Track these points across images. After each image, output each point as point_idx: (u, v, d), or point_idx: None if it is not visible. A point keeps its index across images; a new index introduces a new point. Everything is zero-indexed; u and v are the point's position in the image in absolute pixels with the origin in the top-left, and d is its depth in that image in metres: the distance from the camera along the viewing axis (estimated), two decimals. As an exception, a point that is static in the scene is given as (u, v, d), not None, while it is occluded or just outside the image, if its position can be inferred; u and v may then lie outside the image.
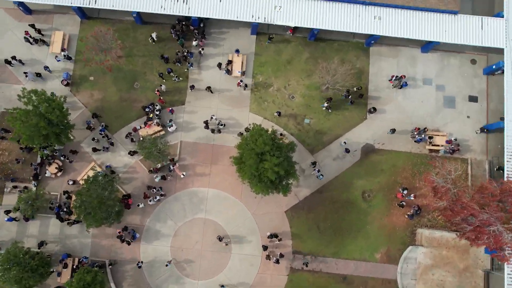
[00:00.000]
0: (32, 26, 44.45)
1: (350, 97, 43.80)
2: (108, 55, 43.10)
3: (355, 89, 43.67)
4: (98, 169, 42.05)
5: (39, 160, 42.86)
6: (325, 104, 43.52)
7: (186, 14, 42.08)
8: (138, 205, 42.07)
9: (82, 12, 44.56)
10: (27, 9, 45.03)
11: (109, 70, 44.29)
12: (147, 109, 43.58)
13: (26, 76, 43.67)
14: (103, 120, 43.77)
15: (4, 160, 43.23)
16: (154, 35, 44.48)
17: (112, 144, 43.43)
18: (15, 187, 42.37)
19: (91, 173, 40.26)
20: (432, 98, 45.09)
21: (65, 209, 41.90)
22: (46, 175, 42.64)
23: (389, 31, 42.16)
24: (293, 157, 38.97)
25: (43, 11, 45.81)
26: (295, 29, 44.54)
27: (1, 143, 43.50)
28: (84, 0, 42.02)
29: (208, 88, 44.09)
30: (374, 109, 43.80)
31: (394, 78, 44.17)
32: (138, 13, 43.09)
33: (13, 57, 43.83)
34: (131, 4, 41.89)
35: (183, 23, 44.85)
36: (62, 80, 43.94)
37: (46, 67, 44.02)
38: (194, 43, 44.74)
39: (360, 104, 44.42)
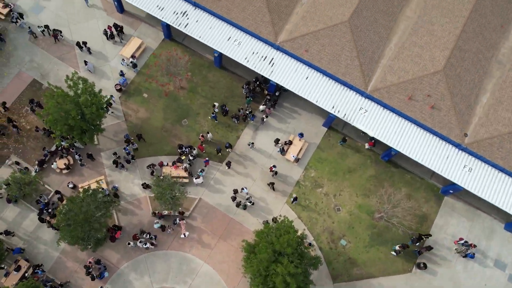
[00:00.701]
0: (116, 24, 43.00)
1: (418, 244, 36.67)
2: (171, 80, 40.12)
3: (423, 237, 36.62)
4: (104, 186, 37.39)
5: (53, 148, 39.06)
6: (397, 248, 36.45)
7: (267, 76, 38.54)
8: (128, 244, 36.15)
9: (169, 32, 42.62)
10: (121, 7, 44.10)
11: (165, 95, 41.03)
12: (182, 150, 39.07)
13: (86, 64, 41.47)
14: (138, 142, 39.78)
15: (23, 133, 40.14)
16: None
17: (129, 162, 38.88)
18: (17, 163, 38.78)
19: (94, 186, 35.62)
20: (500, 286, 36.65)
21: (50, 210, 37.05)
22: (52, 166, 38.60)
23: (477, 189, 35.48)
24: (311, 275, 32.01)
25: (134, 15, 44.73)
26: (375, 143, 39.27)
27: (29, 115, 40.77)
28: (176, 20, 40.03)
29: (252, 145, 39.66)
30: (425, 265, 36.12)
31: (462, 242, 36.76)
32: (220, 55, 40.31)
33: (85, 43, 42.20)
34: (217, 43, 39.25)
35: (259, 83, 41.37)
36: (117, 84, 41.08)
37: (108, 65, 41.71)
38: (261, 107, 40.75)
39: (409, 253, 37.02)
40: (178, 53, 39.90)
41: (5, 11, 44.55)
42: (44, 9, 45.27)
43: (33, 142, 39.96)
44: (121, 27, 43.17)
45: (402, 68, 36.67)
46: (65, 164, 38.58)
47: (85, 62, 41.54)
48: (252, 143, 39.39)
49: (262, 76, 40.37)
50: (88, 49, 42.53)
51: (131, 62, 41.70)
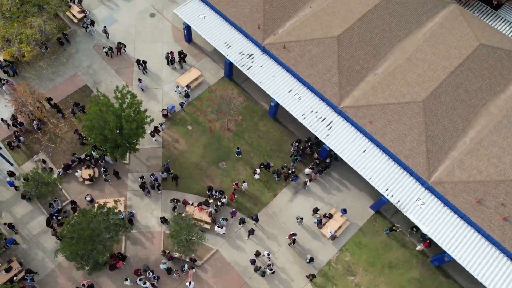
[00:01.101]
0: (181, 52, 42.02)
1: None
2: (220, 118, 37.85)
3: None
4: (121, 208, 34.35)
5: (82, 156, 36.94)
6: None
7: (322, 139, 35.35)
8: (126, 280, 32.24)
9: (230, 71, 41.05)
10: (189, 37, 43.48)
11: (210, 131, 38.62)
12: (212, 193, 35.70)
13: (139, 82, 40.15)
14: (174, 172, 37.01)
15: (58, 133, 38.85)
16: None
17: (153, 188, 36.11)
18: (43, 161, 36.92)
19: (110, 205, 32.70)
20: None
21: (60, 217, 34.35)
22: (76, 174, 36.38)
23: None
24: None
25: (200, 47, 43.86)
26: (430, 244, 34.25)
27: (70, 118, 39.60)
28: (240, 60, 38.41)
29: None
30: None
31: None
32: (276, 105, 37.84)
33: (144, 62, 41.18)
34: (277, 93, 36.94)
35: (311, 144, 38.15)
36: (164, 109, 39.16)
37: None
38: (307, 170, 37.18)
39: None
40: (234, 94, 37.85)
41: (79, 15, 44.97)
42: (116, 22, 45.35)
43: (66, 145, 38.19)
44: (185, 55, 42.11)
45: (475, 166, 32.46)
46: (89, 175, 36.15)
47: (139, 80, 40.29)
48: (301, 219, 35.28)
49: (316, 138, 37.26)
50: (144, 68, 41.55)
51: (185, 91, 39.98)
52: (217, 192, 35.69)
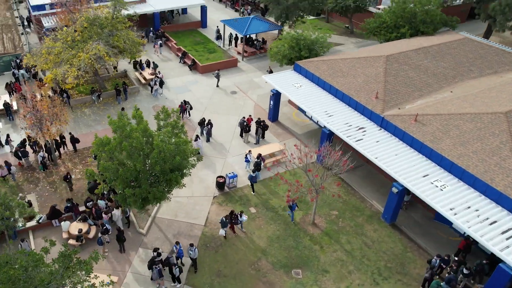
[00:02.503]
0: (261, 121, 31.11)
1: None
2: (307, 212, 23.77)
3: None
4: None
5: (90, 203, 23.52)
6: None
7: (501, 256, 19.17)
8: None
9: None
10: (274, 114, 33.70)
11: (289, 205, 23.86)
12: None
13: (195, 140, 28.70)
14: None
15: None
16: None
17: (171, 270, 19.76)
18: (29, 203, 23.70)
19: (103, 279, 17.43)
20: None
21: None
22: (61, 223, 22.69)
23: None
24: None
25: (286, 127, 33.36)
26: None
27: (89, 165, 27.96)
28: (345, 131, 26.79)
29: None
30: None
31: None
32: (399, 204, 23.70)
33: (209, 124, 30.98)
34: (406, 178, 23.12)
35: (475, 270, 21.39)
36: (221, 176, 26.42)
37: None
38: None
39: None
40: (325, 177, 24.22)
41: (148, 77, 37.83)
42: (189, 92, 37.14)
43: (68, 195, 25.26)
44: (265, 126, 31.15)
45: None
46: (80, 230, 21.71)
47: (196, 137, 28.91)
48: None
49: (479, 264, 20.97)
50: (209, 132, 30.97)
51: (256, 161, 27.27)
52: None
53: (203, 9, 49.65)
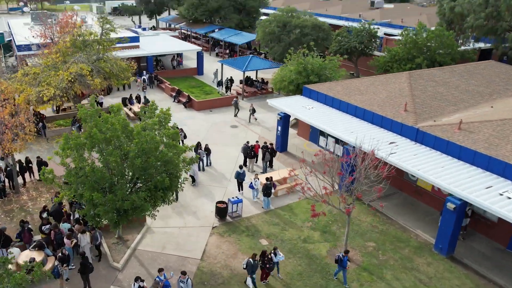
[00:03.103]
0: (268, 146, 26.61)
1: None
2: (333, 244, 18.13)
3: None
4: None
5: (47, 227, 17.74)
6: None
7: None
8: None
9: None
10: (282, 144, 28.88)
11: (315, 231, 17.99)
12: None
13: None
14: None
15: (27, 207, 20.95)
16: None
17: None
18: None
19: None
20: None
21: None
22: (11, 250, 15.85)
23: None
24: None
25: (296, 158, 27.90)
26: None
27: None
28: (375, 145, 21.45)
29: None
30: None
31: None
32: (456, 231, 18.24)
33: (207, 149, 25.91)
34: (469, 191, 17.89)
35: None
36: (222, 202, 20.65)
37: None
38: None
39: None
40: (353, 206, 18.80)
41: (137, 110, 33.43)
42: (185, 126, 32.58)
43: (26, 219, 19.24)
44: (274, 151, 26.28)
45: None
46: (32, 260, 15.37)
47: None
48: None
49: None
50: (208, 155, 25.98)
51: (266, 185, 21.85)
52: None
53: (199, 55, 47.14)
